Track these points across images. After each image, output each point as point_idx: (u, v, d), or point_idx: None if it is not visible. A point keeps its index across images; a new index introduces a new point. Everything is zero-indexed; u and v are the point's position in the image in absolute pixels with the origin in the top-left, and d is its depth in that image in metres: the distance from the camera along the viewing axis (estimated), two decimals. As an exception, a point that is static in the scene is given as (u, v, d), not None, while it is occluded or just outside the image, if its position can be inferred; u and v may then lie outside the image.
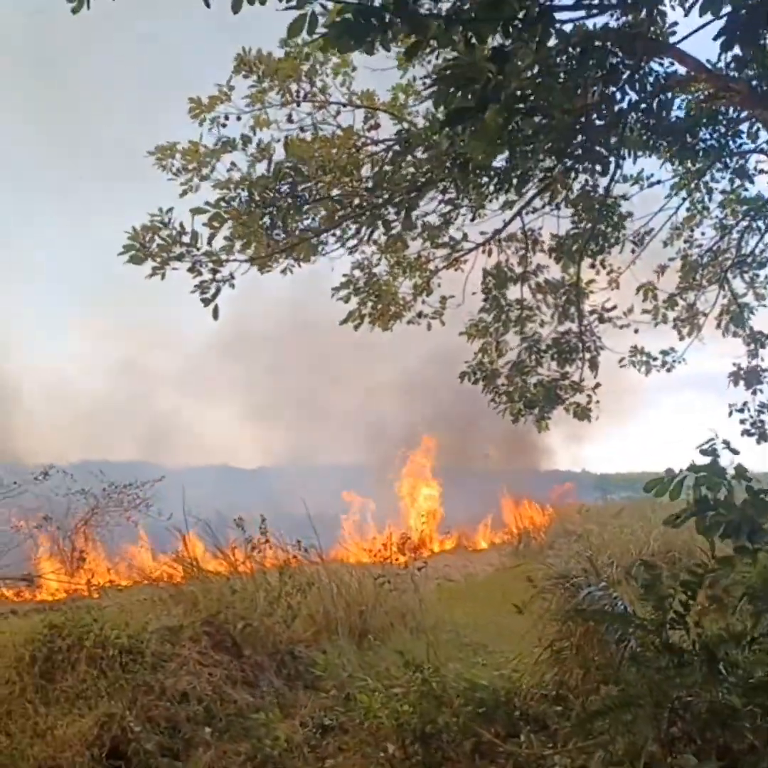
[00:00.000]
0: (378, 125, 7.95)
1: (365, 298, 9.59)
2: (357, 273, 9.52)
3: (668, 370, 11.22)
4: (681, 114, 8.10)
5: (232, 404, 29.32)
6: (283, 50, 7.83)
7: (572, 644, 6.84)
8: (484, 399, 10.63)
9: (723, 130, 8.36)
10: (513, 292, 10.33)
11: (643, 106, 6.93)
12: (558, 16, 4.70)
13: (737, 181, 9.91)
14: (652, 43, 6.49)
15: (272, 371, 27.40)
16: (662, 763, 4.29)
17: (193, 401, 28.84)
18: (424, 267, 9.87)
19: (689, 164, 9.27)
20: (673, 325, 11.53)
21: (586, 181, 8.93)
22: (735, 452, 4.75)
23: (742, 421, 11.34)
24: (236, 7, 4.45)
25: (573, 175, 7.97)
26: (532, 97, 4.57)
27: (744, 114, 8.24)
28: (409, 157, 7.35)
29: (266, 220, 7.35)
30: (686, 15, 5.53)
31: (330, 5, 4.59)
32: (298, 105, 7.81)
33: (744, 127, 8.53)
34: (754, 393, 11.49)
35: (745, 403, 11.42)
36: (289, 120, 7.82)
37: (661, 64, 7.28)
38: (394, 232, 7.96)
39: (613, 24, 6.53)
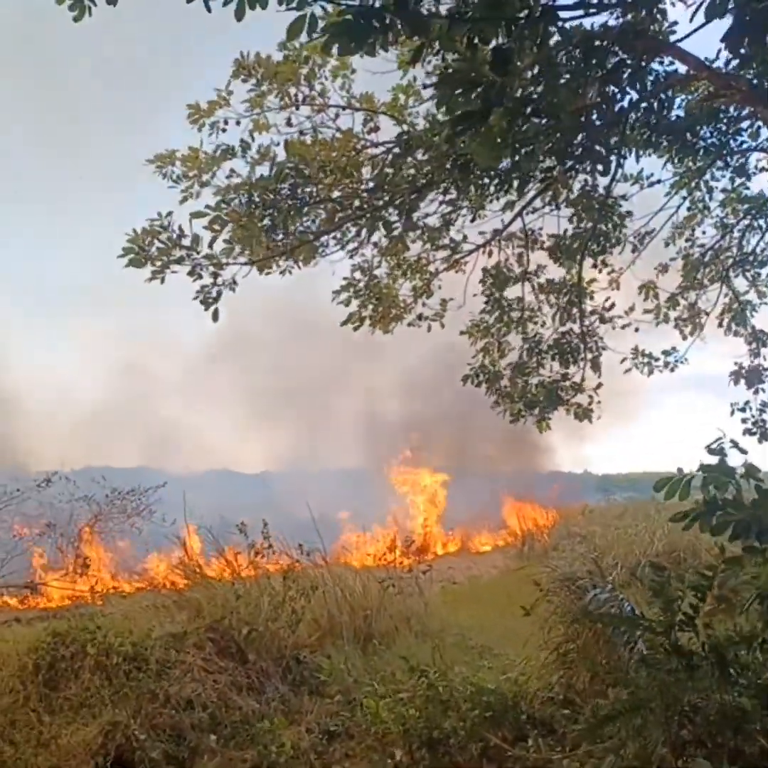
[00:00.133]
0: (377, 128, 7.92)
1: (366, 301, 9.57)
2: (357, 275, 9.50)
3: (671, 371, 11.19)
4: (681, 112, 8.07)
5: (234, 409, 29.34)
6: (282, 54, 7.80)
7: (579, 647, 6.80)
8: (485, 400, 10.61)
9: (723, 128, 8.33)
10: (514, 292, 10.31)
11: (644, 105, 6.92)
12: (559, 15, 4.67)
13: (738, 180, 9.90)
14: (653, 41, 6.46)
15: (273, 374, 27.42)
16: (673, 768, 4.25)
17: (195, 406, 28.86)
18: (424, 269, 9.84)
19: (690, 163, 9.25)
20: (675, 325, 11.50)
21: (586, 180, 8.92)
22: (743, 451, 4.73)
23: (744, 421, 11.33)
24: (239, 15, 4.43)
25: (573, 174, 7.94)
26: (536, 99, 4.53)
27: (744, 112, 8.21)
28: (409, 159, 7.32)
29: (266, 221, 7.32)
30: (691, 20, 5.49)
31: (330, 7, 4.56)
32: (298, 108, 7.78)
33: (744, 125, 8.50)
34: (755, 392, 11.47)
35: (747, 403, 11.41)
36: (289, 123, 7.79)
37: (661, 63, 7.29)
38: (395, 233, 7.94)
39: (612, 23, 6.50)
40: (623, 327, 10.88)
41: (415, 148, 7.18)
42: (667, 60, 7.11)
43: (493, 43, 4.50)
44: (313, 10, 4.34)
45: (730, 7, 4.79)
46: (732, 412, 11.31)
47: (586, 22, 5.90)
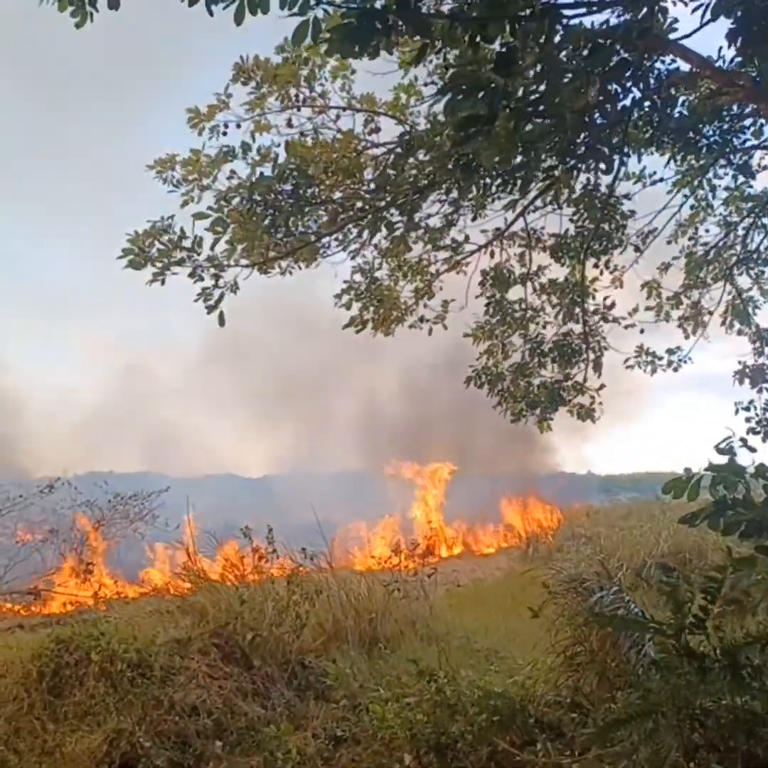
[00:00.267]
0: (378, 129, 7.89)
1: (367, 303, 9.53)
2: (358, 277, 9.47)
3: (675, 370, 11.15)
4: (684, 110, 8.02)
5: (235, 411, 29.33)
6: (281, 56, 7.78)
7: (586, 650, 6.74)
8: (486, 401, 10.57)
9: (726, 126, 8.29)
10: (517, 292, 10.28)
11: (647, 103, 6.88)
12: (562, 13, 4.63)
13: (741, 178, 9.85)
14: (655, 39, 6.42)
15: (273, 376, 27.40)
16: (685, 772, 4.20)
17: (196, 409, 28.85)
18: (425, 270, 9.81)
19: (693, 161, 9.20)
20: (678, 324, 11.47)
21: (589, 179, 8.88)
22: (753, 450, 4.69)
23: (748, 420, 11.28)
24: (239, 19, 4.40)
25: (576, 173, 7.90)
26: (539, 98, 4.49)
27: (747, 110, 8.17)
28: (411, 159, 7.28)
29: (268, 221, 7.28)
30: (695, 15, 5.46)
31: (331, 9, 4.53)
32: (299, 109, 7.75)
33: (747, 122, 8.46)
34: (759, 391, 11.43)
35: (751, 401, 11.37)
36: (289, 124, 7.77)
37: (663, 61, 7.24)
38: (397, 233, 7.90)
39: (614, 21, 6.46)
40: (626, 327, 10.85)
41: (416, 148, 7.15)
42: (669, 58, 7.08)
43: (496, 42, 4.48)
44: (315, 15, 4.33)
45: (735, 3, 4.75)
46: (736, 411, 11.28)
47: (587, 21, 5.89)
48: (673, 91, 7.35)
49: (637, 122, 7.31)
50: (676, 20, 6.94)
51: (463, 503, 23.83)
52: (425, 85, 7.69)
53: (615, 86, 6.17)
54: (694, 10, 5.42)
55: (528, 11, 4.22)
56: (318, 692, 7.52)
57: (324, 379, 27.93)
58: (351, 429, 27.88)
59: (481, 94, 4.01)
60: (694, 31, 5.86)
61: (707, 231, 11.05)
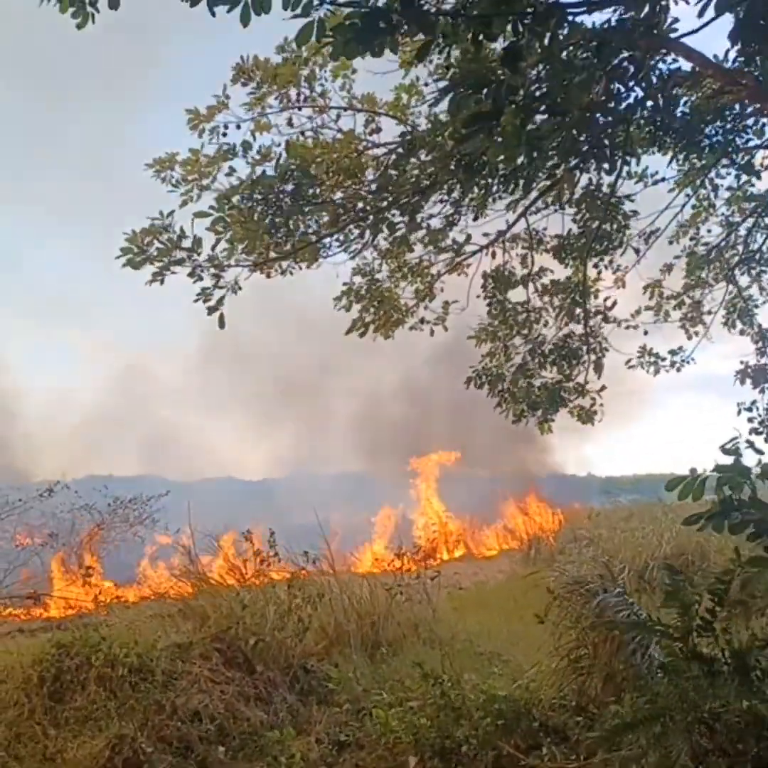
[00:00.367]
0: (379, 129, 7.85)
1: (367, 305, 9.49)
2: (358, 279, 9.43)
3: (678, 370, 11.13)
4: (686, 110, 7.99)
5: (235, 414, 29.29)
6: (281, 56, 7.74)
7: (590, 653, 6.69)
8: (486, 403, 10.53)
9: (729, 125, 8.25)
10: (519, 294, 10.24)
11: (650, 102, 6.84)
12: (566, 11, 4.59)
13: (743, 178, 9.82)
14: (658, 38, 6.39)
15: (272, 376, 27.36)
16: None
17: (196, 412, 28.80)
18: (426, 272, 9.76)
19: (695, 160, 9.17)
20: (680, 325, 11.44)
21: (590, 180, 8.84)
22: (759, 452, 4.65)
23: (750, 420, 11.26)
24: (245, 20, 4.37)
25: (578, 173, 7.86)
26: (546, 95, 4.45)
27: (750, 109, 8.13)
28: (412, 160, 7.24)
29: (268, 221, 7.23)
30: (705, 19, 5.42)
31: (334, 9, 4.49)
32: (300, 109, 7.71)
33: (750, 122, 8.42)
34: (761, 391, 11.41)
35: (753, 402, 11.34)
36: (290, 124, 7.73)
37: (665, 61, 7.21)
38: (398, 233, 7.86)
39: (615, 20, 6.42)
40: (627, 328, 10.83)
41: (418, 148, 7.11)
42: (671, 57, 7.04)
43: (500, 39, 4.44)
44: (319, 16, 4.30)
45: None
46: (739, 412, 11.25)
47: (589, 20, 5.85)
48: (675, 91, 7.31)
49: (638, 121, 7.28)
50: (676, 20, 6.93)
51: (463, 505, 23.79)
52: (426, 85, 7.66)
53: (617, 85, 6.15)
54: (699, 2, 5.35)
55: (531, 10, 4.18)
56: (321, 697, 7.47)
57: (323, 379, 27.91)
58: (351, 430, 27.85)
59: (486, 91, 3.97)
60: (699, 29, 5.82)
61: (709, 231, 11.04)
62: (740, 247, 10.90)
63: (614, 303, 10.36)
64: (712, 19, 5.38)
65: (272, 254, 7.67)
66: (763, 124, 8.40)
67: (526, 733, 6.10)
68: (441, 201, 8.13)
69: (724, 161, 9.26)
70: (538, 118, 4.86)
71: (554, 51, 4.26)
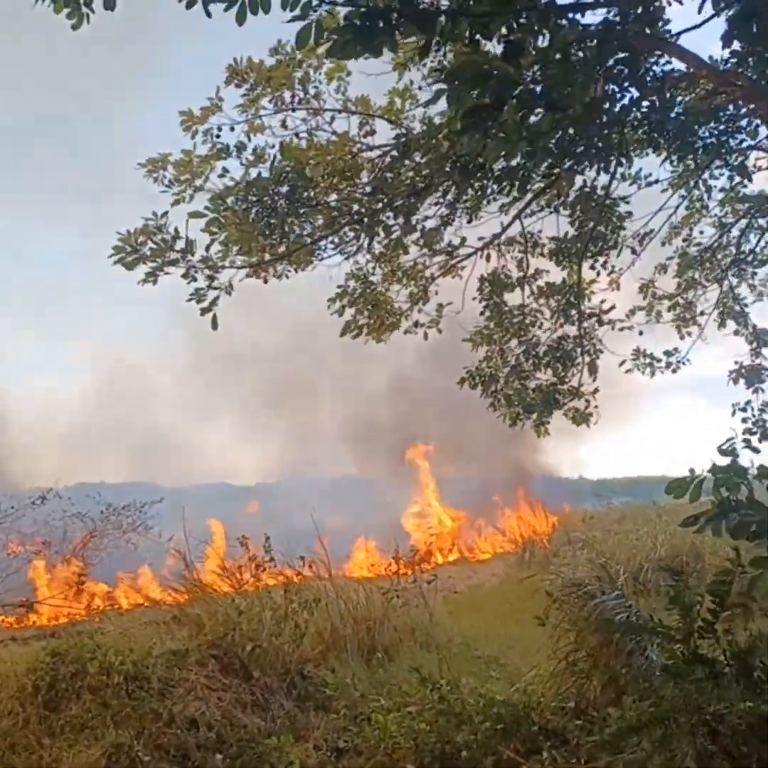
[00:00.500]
0: (374, 131, 7.83)
1: (361, 308, 9.45)
2: (352, 283, 9.39)
3: (673, 371, 11.12)
4: (680, 111, 7.99)
5: (226, 419, 29.19)
6: (274, 58, 7.71)
7: (588, 655, 6.66)
8: (479, 405, 10.50)
9: (722, 127, 8.26)
10: (513, 297, 10.23)
11: (644, 103, 6.84)
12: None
13: (736, 179, 9.83)
14: (652, 39, 6.39)
15: (264, 381, 27.28)
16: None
17: (187, 418, 28.69)
18: (420, 275, 9.74)
19: (689, 161, 9.17)
20: (675, 325, 11.45)
21: (585, 181, 8.84)
22: (756, 451, 4.63)
23: (744, 421, 11.27)
24: (240, 20, 4.34)
25: (574, 174, 7.85)
26: (548, 90, 4.42)
27: (743, 110, 8.14)
28: (407, 162, 7.21)
29: (263, 223, 7.19)
30: (704, 17, 5.42)
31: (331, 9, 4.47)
32: (294, 111, 7.69)
33: (743, 123, 8.43)
34: (755, 392, 11.42)
35: (747, 402, 11.35)
36: (284, 126, 7.70)
37: (659, 63, 7.22)
38: (393, 236, 7.83)
39: (609, 20, 6.42)
40: (621, 329, 10.82)
41: (413, 150, 7.09)
42: (665, 58, 7.05)
43: (496, 39, 4.41)
44: (318, 17, 4.27)
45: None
46: (733, 413, 11.25)
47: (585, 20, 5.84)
48: (669, 92, 7.31)
49: (633, 123, 7.28)
50: (668, 21, 6.94)
51: (456, 507, 23.77)
52: (420, 88, 7.64)
53: (612, 86, 6.14)
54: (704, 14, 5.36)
55: (529, 9, 4.16)
56: (318, 703, 7.41)
57: (315, 382, 27.84)
58: (344, 432, 27.77)
59: (488, 84, 3.93)
60: (696, 26, 5.83)
61: (702, 232, 11.06)
62: (733, 249, 10.92)
63: (613, 306, 10.37)
64: (708, 18, 5.38)
65: (267, 256, 7.64)
66: (757, 126, 8.42)
67: (526, 737, 6.06)
68: (436, 203, 8.11)
69: (718, 162, 9.28)
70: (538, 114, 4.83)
71: (559, 46, 4.23)
